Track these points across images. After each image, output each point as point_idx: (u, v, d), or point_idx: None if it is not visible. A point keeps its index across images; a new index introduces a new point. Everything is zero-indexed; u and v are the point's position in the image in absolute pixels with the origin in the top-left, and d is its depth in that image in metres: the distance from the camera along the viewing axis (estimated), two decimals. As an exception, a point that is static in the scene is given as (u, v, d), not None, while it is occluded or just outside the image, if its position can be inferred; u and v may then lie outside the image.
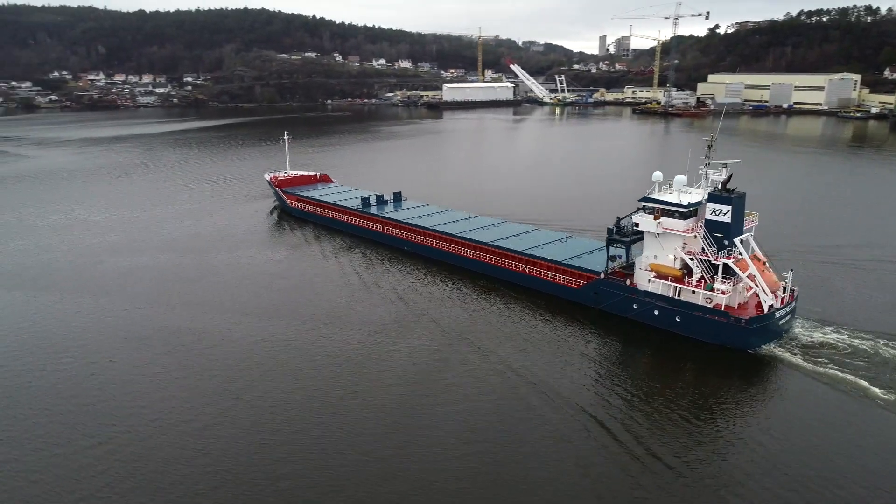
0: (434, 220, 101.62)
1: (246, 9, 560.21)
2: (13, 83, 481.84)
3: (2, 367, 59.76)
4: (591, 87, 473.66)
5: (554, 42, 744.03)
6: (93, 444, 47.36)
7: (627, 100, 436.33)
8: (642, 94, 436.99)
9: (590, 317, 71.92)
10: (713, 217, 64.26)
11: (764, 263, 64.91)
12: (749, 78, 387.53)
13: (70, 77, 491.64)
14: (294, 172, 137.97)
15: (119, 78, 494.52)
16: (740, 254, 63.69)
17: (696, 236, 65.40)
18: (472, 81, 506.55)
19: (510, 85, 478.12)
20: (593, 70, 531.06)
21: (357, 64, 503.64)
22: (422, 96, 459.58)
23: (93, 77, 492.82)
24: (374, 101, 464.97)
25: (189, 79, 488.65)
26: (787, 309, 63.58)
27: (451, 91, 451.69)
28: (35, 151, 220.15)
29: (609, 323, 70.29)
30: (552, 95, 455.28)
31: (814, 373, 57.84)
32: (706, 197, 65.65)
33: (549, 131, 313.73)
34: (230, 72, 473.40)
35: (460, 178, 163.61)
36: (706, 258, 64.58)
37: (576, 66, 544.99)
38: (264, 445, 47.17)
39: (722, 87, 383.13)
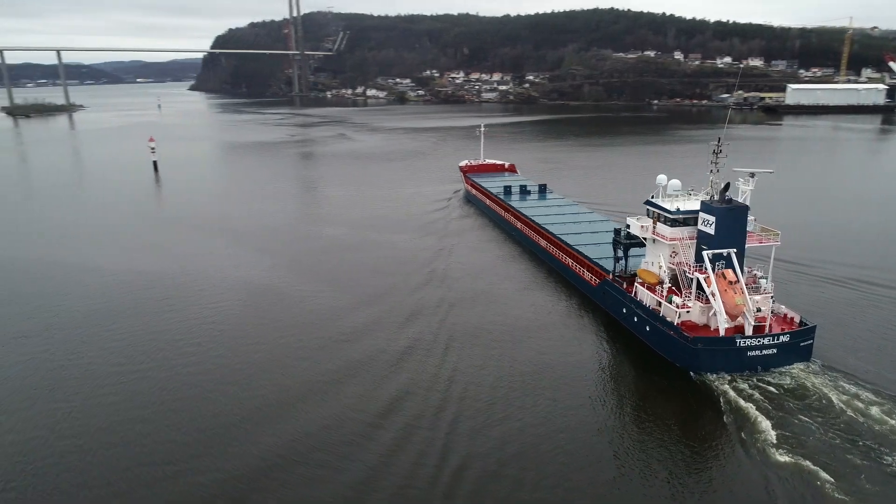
0: (540, 210, 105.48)
1: (596, 9, 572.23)
2: (397, 80, 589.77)
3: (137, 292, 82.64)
4: None
5: None
6: (121, 361, 64.13)
7: None
8: None
9: (599, 317, 71.88)
10: (703, 227, 60.34)
11: (730, 283, 56.45)
12: None
13: (438, 75, 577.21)
14: (488, 161, 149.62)
15: (474, 76, 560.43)
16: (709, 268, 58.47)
17: (686, 246, 62.15)
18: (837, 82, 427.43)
19: (882, 87, 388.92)
20: None
21: (697, 62, 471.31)
22: (761, 98, 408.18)
23: (454, 75, 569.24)
24: (704, 102, 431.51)
25: (530, 77, 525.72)
26: (765, 341, 55.34)
27: (796, 93, 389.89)
28: (361, 136, 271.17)
29: (610, 326, 69.53)
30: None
31: (755, 446, 45.85)
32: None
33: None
34: (565, 71, 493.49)
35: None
36: (685, 270, 61.59)
37: None
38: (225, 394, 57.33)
39: None
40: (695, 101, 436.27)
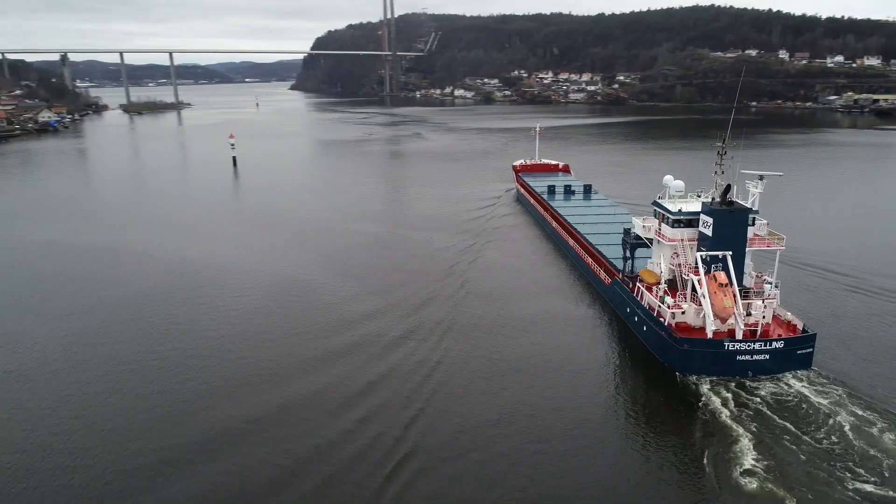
0: (574, 210, 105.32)
1: (696, 6, 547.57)
2: (485, 80, 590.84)
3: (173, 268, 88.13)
4: None
5: None
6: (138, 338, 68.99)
7: None
8: None
9: (608, 317, 71.16)
10: (702, 229, 60.24)
11: (720, 286, 55.06)
12: None
13: (526, 75, 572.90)
14: (543, 161, 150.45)
15: (563, 76, 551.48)
16: (700, 270, 57.75)
17: (686, 247, 61.73)
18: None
19: None
20: None
21: (804, 62, 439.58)
22: (874, 100, 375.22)
23: (542, 75, 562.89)
24: (808, 104, 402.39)
25: (620, 77, 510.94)
26: (756, 346, 53.92)
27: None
28: (436, 136, 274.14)
29: (617, 326, 68.63)
30: None
31: (722, 469, 42.65)
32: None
33: None
34: (657, 71, 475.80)
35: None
36: (682, 271, 61.36)
37: None
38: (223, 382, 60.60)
39: None
40: (797, 104, 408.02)
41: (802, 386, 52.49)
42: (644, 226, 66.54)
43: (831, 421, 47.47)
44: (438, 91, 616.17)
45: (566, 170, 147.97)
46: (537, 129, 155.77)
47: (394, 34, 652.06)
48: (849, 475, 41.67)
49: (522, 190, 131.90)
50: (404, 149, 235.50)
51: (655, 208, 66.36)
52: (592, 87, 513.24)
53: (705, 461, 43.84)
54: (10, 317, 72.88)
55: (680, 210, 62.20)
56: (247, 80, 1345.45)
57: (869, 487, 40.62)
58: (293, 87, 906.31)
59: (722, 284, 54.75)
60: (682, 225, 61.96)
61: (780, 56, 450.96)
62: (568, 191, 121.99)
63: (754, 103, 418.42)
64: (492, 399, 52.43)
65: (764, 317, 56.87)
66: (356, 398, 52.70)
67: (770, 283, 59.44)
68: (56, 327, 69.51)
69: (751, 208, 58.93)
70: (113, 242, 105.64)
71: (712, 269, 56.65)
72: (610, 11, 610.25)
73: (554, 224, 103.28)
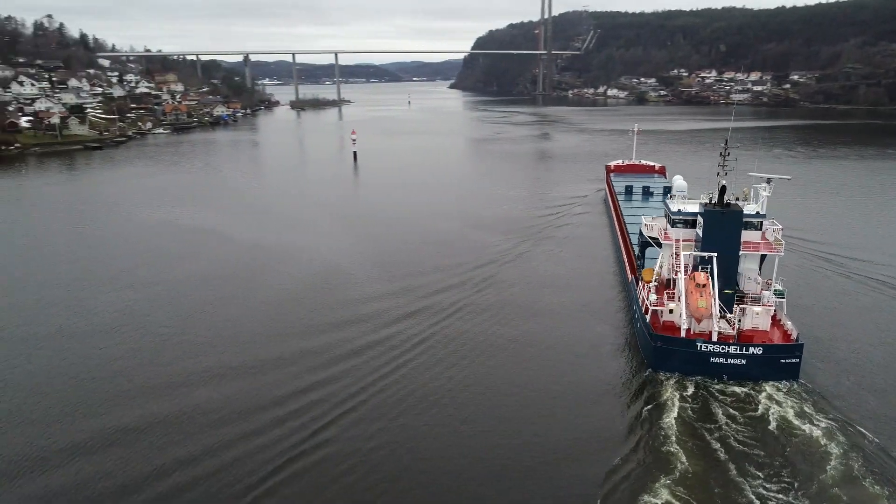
0: (639, 210, 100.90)
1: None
2: (641, 79, 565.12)
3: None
4: None
5: None
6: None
7: None
8: None
9: (622, 314, 71.01)
10: (698, 229, 60.16)
11: (697, 286, 54.77)
12: None
13: (686, 74, 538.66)
14: (642, 162, 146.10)
15: (727, 75, 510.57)
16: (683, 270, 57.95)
17: (683, 247, 60.76)
18: None
19: None
20: None
21: None
22: None
23: (704, 74, 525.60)
24: None
25: (794, 77, 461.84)
26: (731, 349, 52.98)
27: None
28: (564, 136, 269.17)
29: (626, 324, 68.54)
30: None
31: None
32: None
33: None
34: (838, 69, 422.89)
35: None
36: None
37: None
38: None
39: None
40: None
41: (778, 399, 48.20)
42: (647, 224, 66.72)
43: (793, 448, 42.15)
44: (591, 90, 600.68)
45: (661, 171, 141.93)
46: (635, 129, 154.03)
47: (549, 33, 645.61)
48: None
49: (608, 190, 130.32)
50: (522, 149, 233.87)
51: (664, 208, 66.63)
52: (759, 87, 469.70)
53: (620, 478, 40.91)
54: (87, 284, 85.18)
55: (679, 210, 62.48)
56: (414, 78, 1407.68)
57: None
58: (452, 86, 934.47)
59: (699, 285, 54.12)
60: (684, 225, 61.97)
61: None
62: (646, 192, 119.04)
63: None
64: (449, 377, 55.06)
65: (739, 321, 56.05)
66: (330, 363, 58.18)
67: (768, 290, 58.29)
68: (115, 296, 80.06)
69: (754, 211, 58.59)
70: (209, 225, 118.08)
71: (699, 270, 55.64)
72: (791, 4, 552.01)
73: (617, 223, 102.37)
